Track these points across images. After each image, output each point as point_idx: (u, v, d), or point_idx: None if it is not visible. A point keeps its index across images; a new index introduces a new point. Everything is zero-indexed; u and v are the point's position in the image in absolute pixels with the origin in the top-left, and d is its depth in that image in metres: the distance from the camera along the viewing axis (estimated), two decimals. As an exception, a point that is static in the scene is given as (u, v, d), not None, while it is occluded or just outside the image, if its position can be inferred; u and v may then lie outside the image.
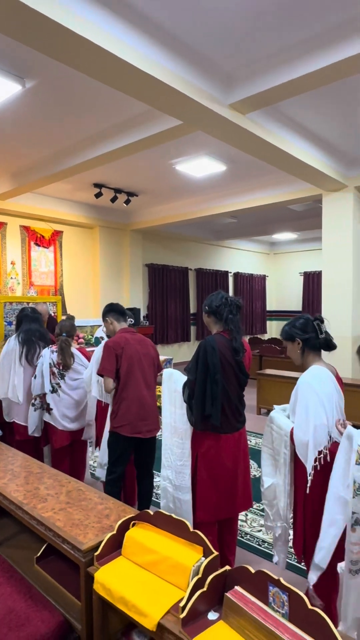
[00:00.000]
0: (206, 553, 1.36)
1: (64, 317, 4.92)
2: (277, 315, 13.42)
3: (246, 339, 2.68)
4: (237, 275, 12.06)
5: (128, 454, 2.86)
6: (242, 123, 3.84)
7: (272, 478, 2.13)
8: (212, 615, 1.22)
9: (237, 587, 1.23)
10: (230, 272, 11.89)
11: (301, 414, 1.94)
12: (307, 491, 1.92)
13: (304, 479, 1.99)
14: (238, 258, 12.22)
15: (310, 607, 1.06)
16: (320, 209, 6.25)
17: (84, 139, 4.94)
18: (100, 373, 2.83)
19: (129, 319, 3.36)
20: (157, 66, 3.04)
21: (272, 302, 13.50)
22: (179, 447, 2.40)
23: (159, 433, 2.76)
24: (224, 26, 2.96)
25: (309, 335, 2.08)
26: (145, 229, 8.78)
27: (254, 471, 3.94)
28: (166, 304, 9.84)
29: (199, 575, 1.25)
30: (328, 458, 1.94)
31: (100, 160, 5.00)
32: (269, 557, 2.69)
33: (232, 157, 5.47)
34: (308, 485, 1.90)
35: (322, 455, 1.91)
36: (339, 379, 2.10)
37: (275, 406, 2.28)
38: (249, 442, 4.72)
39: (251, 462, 4.11)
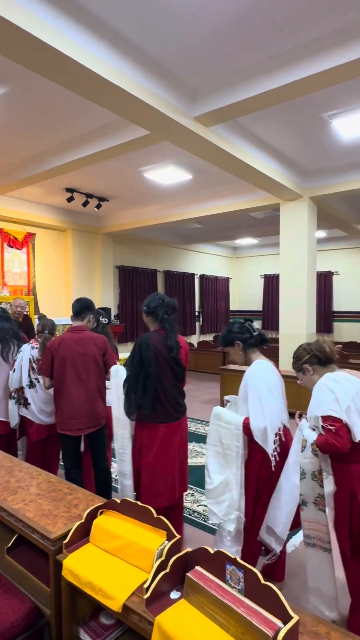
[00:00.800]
0: (169, 537, 1.37)
1: (37, 316, 4.82)
2: (240, 314, 13.60)
3: (185, 338, 2.75)
4: (202, 277, 12.15)
5: (68, 449, 2.83)
6: (206, 135, 3.87)
7: (222, 474, 2.10)
8: (174, 595, 1.23)
9: (197, 567, 1.24)
10: (196, 274, 11.96)
11: (255, 404, 2.00)
12: (273, 469, 2.00)
13: (254, 467, 2.06)
14: (203, 261, 12.31)
15: (263, 582, 1.08)
16: (278, 217, 6.39)
17: (56, 145, 4.84)
18: (38, 372, 2.88)
19: (102, 318, 3.33)
20: (125, 78, 3.03)
21: (235, 303, 13.68)
22: (121, 436, 2.45)
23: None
24: (190, 45, 2.98)
25: (245, 335, 2.20)
26: (115, 233, 8.70)
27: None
28: (136, 304, 9.79)
29: (162, 558, 1.26)
30: (283, 439, 2.03)
31: (72, 166, 4.92)
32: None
33: (197, 166, 5.51)
34: (273, 464, 1.98)
35: (277, 437, 1.99)
36: (278, 370, 2.22)
37: (226, 397, 2.33)
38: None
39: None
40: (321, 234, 9.81)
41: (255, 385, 2.04)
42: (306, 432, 1.83)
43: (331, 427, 1.71)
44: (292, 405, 4.41)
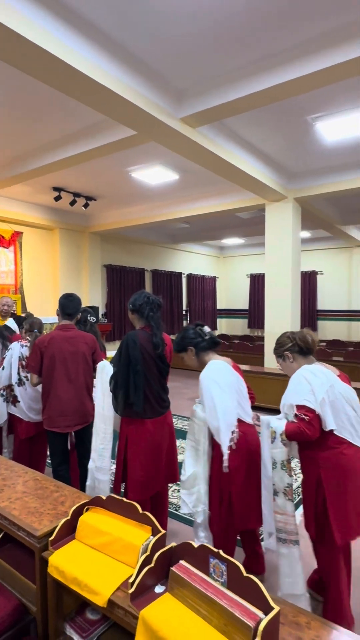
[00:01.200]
0: (154, 532, 1.37)
1: (24, 315, 4.76)
2: (227, 313, 13.67)
3: (172, 336, 2.77)
4: (190, 276, 12.16)
5: (57, 446, 2.82)
6: (192, 136, 3.87)
7: (193, 467, 2.15)
8: (158, 589, 1.24)
9: (181, 562, 1.25)
10: (184, 274, 11.96)
11: (209, 404, 2.04)
12: (225, 470, 1.99)
13: (216, 463, 2.09)
14: (191, 260, 12.32)
15: (245, 574, 1.10)
16: (264, 217, 6.42)
17: (44, 144, 4.79)
18: (25, 368, 2.87)
19: (90, 317, 3.32)
20: (111, 78, 3.01)
21: (222, 301, 13.73)
22: (103, 431, 2.46)
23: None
24: (177, 47, 2.97)
25: (197, 340, 2.23)
26: (103, 232, 8.65)
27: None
28: (123, 303, 9.75)
29: (147, 553, 1.26)
30: (237, 435, 2.06)
31: (59, 165, 4.87)
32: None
33: (184, 167, 5.51)
34: (224, 465, 1.97)
35: (234, 435, 2.01)
36: (236, 367, 2.25)
37: (197, 399, 2.35)
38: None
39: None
40: (305, 234, 9.89)
41: (208, 385, 2.08)
42: (274, 423, 1.90)
43: (305, 417, 1.80)
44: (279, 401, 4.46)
